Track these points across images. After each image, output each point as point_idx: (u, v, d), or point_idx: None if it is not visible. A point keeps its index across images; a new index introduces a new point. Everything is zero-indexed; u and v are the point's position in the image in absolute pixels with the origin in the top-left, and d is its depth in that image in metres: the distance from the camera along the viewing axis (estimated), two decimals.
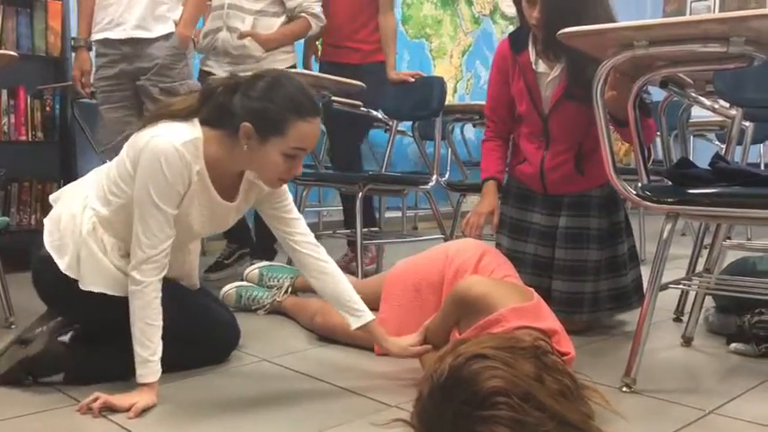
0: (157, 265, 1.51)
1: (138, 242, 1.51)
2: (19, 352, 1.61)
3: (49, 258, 1.58)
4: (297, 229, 1.74)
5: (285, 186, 1.73)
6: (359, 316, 1.68)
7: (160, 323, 1.51)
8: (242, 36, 2.79)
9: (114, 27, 2.56)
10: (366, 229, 3.03)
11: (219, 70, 2.86)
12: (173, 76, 2.57)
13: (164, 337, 1.52)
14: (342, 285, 1.71)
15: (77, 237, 1.57)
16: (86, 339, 1.68)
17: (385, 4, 3.22)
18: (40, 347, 1.60)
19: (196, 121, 1.57)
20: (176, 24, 2.58)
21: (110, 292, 1.56)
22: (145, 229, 1.50)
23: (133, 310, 1.50)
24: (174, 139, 1.50)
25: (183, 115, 1.57)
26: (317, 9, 2.93)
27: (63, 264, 1.57)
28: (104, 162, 2.37)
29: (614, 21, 1.87)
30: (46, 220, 1.64)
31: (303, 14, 2.90)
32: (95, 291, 1.55)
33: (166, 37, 2.57)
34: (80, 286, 1.56)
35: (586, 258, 2.11)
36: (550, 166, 2.15)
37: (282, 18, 2.89)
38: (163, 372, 1.51)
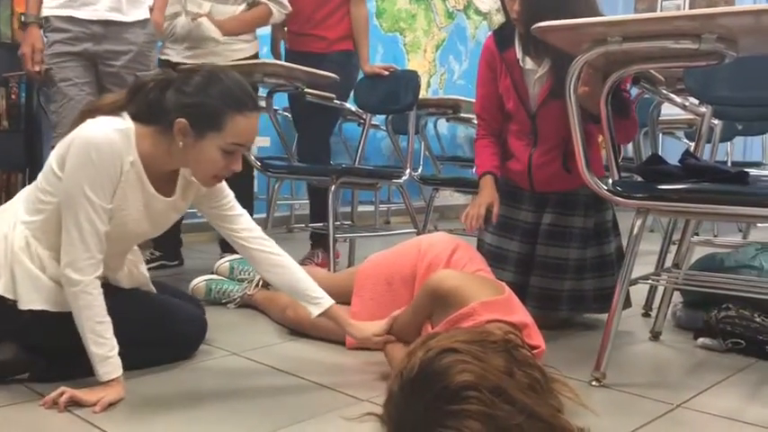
0: (93, 262, 1.44)
1: (69, 239, 1.43)
2: None
3: None
4: (242, 226, 1.70)
5: (223, 183, 1.68)
6: (318, 303, 1.66)
7: (108, 318, 1.45)
8: (195, 17, 2.73)
9: (82, 6, 2.40)
10: (338, 223, 3.02)
11: (178, 57, 2.80)
12: (148, 63, 2.49)
13: (124, 344, 1.47)
14: (297, 275, 1.68)
15: (9, 255, 1.48)
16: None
17: None
18: (10, 355, 1.52)
19: (125, 114, 1.52)
20: (150, 10, 2.51)
21: (50, 309, 1.48)
22: (76, 223, 1.42)
23: (78, 312, 1.43)
24: (104, 127, 1.46)
25: (110, 111, 1.52)
26: None
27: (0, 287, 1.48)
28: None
29: (599, 16, 1.87)
30: None
31: (264, 1, 2.85)
32: (35, 309, 1.47)
33: (143, 23, 2.48)
34: (18, 306, 1.47)
35: (567, 257, 2.11)
36: (538, 163, 2.14)
37: (243, 6, 2.84)
38: (130, 368, 1.49)
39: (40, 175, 1.53)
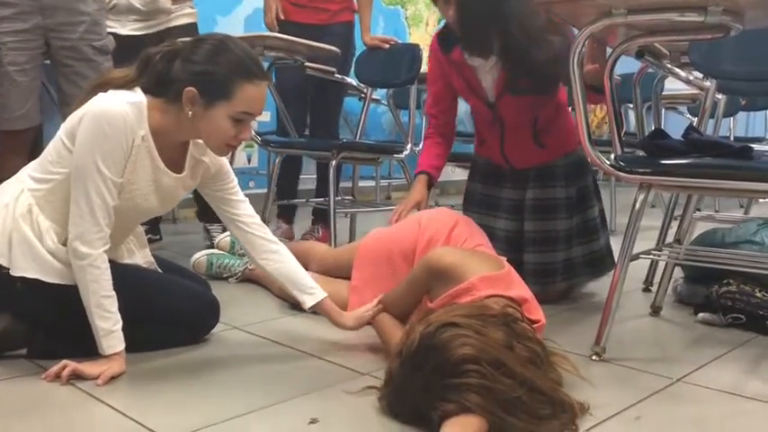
0: (102, 235, 1.44)
1: (79, 212, 1.43)
2: None
3: None
4: (244, 211, 1.71)
5: (230, 167, 1.71)
6: (312, 293, 1.68)
7: (114, 293, 1.45)
8: None
9: None
10: (339, 198, 3.01)
11: (125, 30, 2.66)
12: (102, 33, 2.32)
13: (137, 321, 1.49)
14: (293, 264, 1.70)
15: (9, 221, 1.48)
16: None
17: None
18: (2, 326, 1.52)
19: (138, 89, 1.52)
20: None
21: (44, 279, 1.47)
22: (86, 196, 1.42)
23: (84, 285, 1.43)
24: (116, 101, 1.45)
25: (121, 85, 1.51)
26: None
27: None
28: None
29: (536, 12, 1.84)
30: None
31: None
32: (28, 277, 1.46)
33: None
34: (10, 272, 1.46)
35: (555, 228, 2.12)
36: (510, 146, 2.16)
37: None
38: (137, 350, 1.50)
39: (50, 147, 1.53)
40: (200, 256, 2.42)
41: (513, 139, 2.15)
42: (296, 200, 3.17)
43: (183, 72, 1.48)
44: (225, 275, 2.37)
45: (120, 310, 1.47)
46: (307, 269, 2.10)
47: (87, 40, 2.25)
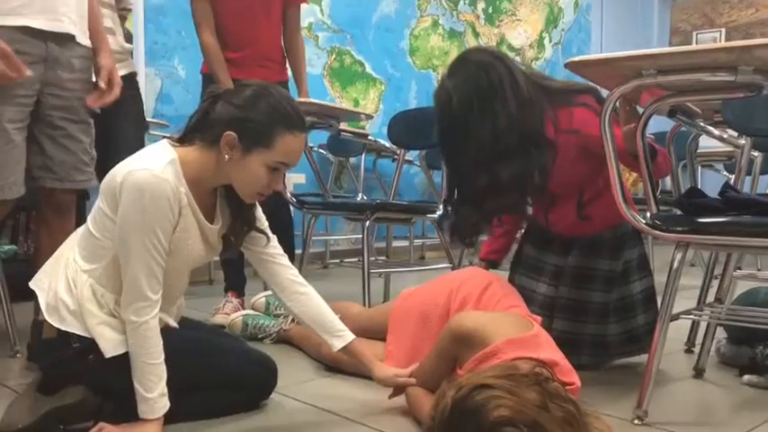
0: (148, 304, 1.42)
1: (128, 283, 1.42)
2: (44, 402, 1.48)
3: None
4: (274, 250, 1.69)
5: (258, 206, 1.67)
6: (341, 336, 1.66)
7: (159, 360, 1.43)
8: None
9: (38, 13, 1.83)
10: (373, 258, 3.02)
11: None
12: (89, 88, 2.00)
13: (195, 386, 1.52)
14: (323, 306, 1.69)
15: (78, 307, 1.46)
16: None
17: (292, 21, 2.87)
18: (79, 396, 1.49)
19: (165, 141, 1.51)
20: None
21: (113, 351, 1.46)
22: (133, 269, 1.40)
23: (131, 348, 1.43)
24: (154, 167, 1.40)
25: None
26: None
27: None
28: None
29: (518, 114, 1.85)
30: (45, 313, 1.48)
31: None
32: (119, 353, 1.45)
33: (89, 51, 1.99)
34: (105, 355, 1.44)
35: (589, 299, 2.03)
36: (554, 219, 2.12)
37: None
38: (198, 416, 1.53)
39: (90, 220, 1.51)
40: (236, 316, 2.43)
41: (558, 214, 2.10)
42: (330, 261, 3.17)
43: (223, 115, 1.47)
44: (260, 336, 2.38)
45: (181, 374, 1.47)
46: None
47: (82, 100, 1.96)
